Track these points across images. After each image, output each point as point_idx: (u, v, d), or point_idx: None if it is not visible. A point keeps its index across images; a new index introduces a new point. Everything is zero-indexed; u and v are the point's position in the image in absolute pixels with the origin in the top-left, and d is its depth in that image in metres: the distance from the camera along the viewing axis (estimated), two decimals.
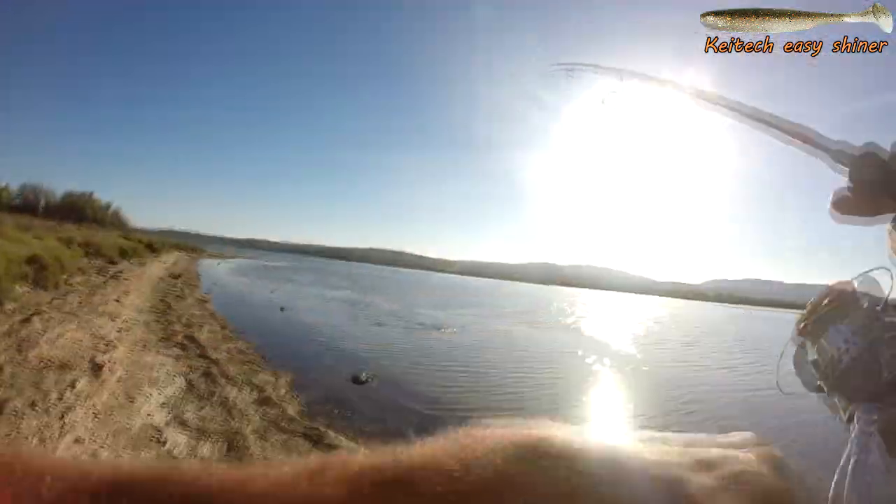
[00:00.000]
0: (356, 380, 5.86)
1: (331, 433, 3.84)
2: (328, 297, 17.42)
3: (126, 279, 12.11)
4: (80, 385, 3.82)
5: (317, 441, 3.64)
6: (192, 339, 6.65)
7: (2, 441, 2.91)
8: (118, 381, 4.15)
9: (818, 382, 0.25)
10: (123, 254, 17.49)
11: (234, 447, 3.40)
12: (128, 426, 3.41)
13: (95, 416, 3.45)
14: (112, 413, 3.59)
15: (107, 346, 5.23)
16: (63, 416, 3.34)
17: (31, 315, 5.88)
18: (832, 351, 0.24)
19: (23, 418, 3.26)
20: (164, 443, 3.29)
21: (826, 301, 0.26)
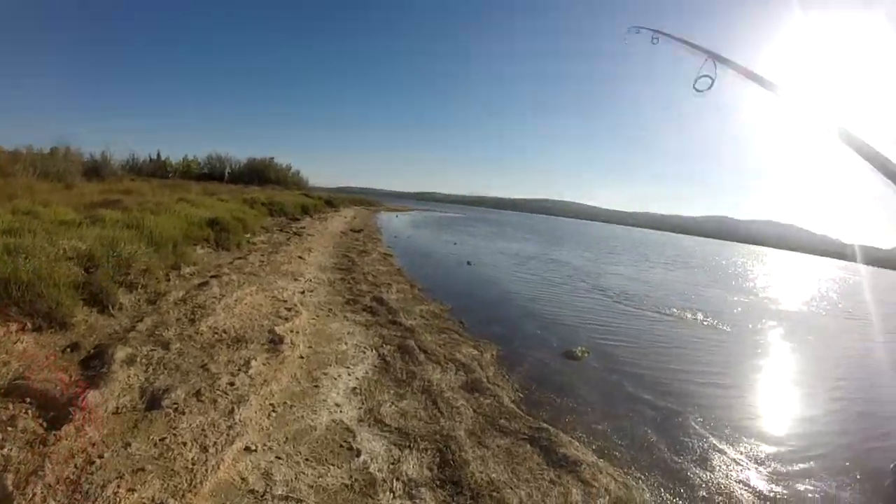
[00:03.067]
0: (570, 355, 7.95)
1: (562, 435, 5.15)
2: (511, 250, 26.04)
3: (309, 235, 18.28)
4: (255, 366, 5.35)
5: (547, 450, 4.79)
6: (380, 300, 9.31)
7: (151, 455, 3.51)
8: (300, 359, 6.02)
9: None
10: (305, 210, 28.44)
11: (447, 461, 4.24)
12: (311, 425, 4.49)
13: (272, 411, 4.60)
14: (293, 405, 4.80)
15: (289, 311, 7.73)
16: (233, 412, 4.32)
17: (210, 278, 8.91)
18: None
19: (183, 414, 4.18)
20: (358, 453, 4.13)
21: None
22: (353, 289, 10.36)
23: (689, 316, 13.61)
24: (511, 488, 4.00)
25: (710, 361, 9.31)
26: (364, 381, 5.71)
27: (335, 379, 5.64)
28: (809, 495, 5.09)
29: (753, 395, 7.92)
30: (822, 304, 22.84)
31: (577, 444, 5.08)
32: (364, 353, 6.67)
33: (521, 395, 6.18)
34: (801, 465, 5.66)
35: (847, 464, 5.90)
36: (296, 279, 10.32)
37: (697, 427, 6.17)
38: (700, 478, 5.01)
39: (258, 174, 66.31)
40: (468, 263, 18.20)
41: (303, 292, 9.33)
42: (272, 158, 71.50)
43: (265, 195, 28.43)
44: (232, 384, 4.88)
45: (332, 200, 44.22)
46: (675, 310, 14.16)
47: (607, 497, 4.19)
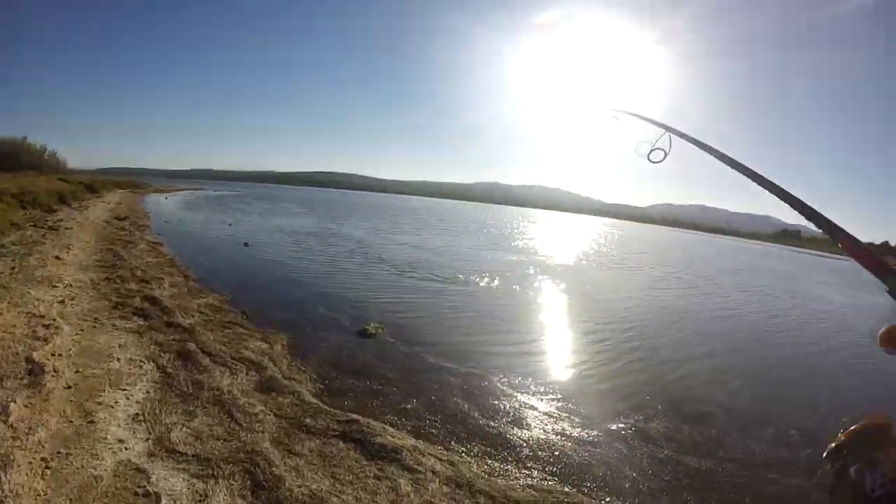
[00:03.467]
0: (364, 333, 8.15)
1: (373, 423, 5.12)
2: (290, 227, 26.42)
3: (67, 229, 16.50)
4: (15, 411, 4.52)
5: (363, 443, 4.76)
6: (152, 300, 8.71)
7: None
8: (68, 389, 5.30)
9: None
10: (62, 199, 25.87)
11: (260, 482, 3.98)
12: (96, 474, 3.90)
13: (46, 468, 3.89)
14: (69, 453, 4.12)
15: (47, 328, 6.90)
16: None
17: None
18: (869, 483, 0.75)
19: None
20: (157, 498, 3.68)
21: (862, 436, 0.80)
22: (121, 289, 9.58)
23: (475, 279, 14.67)
24: (337, 496, 3.94)
25: (504, 321, 10.14)
26: (146, 404, 5.27)
27: (112, 408, 5.12)
28: (623, 433, 5.73)
29: (550, 349, 8.73)
30: (594, 257, 27.75)
31: (391, 429, 5.16)
32: (141, 367, 6.18)
33: (321, 385, 6.20)
34: (610, 407, 6.37)
35: (649, 398, 6.79)
36: (53, 285, 9.26)
37: (504, 388, 6.59)
38: (520, 437, 5.38)
39: (9, 158, 56.85)
40: (246, 245, 18.13)
41: (62, 301, 8.40)
42: (24, 138, 62.69)
43: (14, 184, 25.30)
44: None
45: (94, 185, 41.36)
46: (461, 275, 15.20)
47: (437, 480, 4.29)
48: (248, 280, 12.05)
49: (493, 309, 11.38)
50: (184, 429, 4.84)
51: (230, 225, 25.51)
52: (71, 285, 9.48)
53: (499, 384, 6.84)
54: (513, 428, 5.65)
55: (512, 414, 6.01)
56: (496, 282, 14.83)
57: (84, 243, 14.41)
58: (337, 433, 5.02)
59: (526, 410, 6.15)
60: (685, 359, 9.16)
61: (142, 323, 7.80)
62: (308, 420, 5.26)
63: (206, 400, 5.51)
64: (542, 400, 6.51)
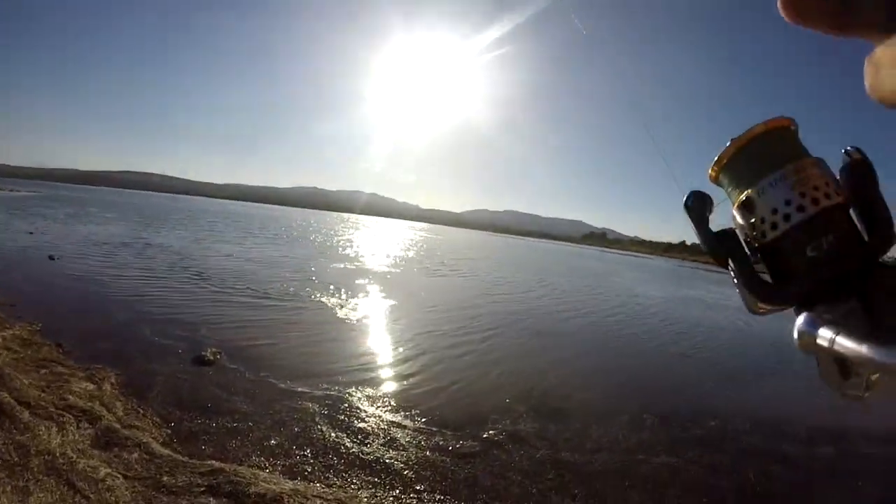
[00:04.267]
0: (202, 360, 7.59)
1: (241, 470, 4.73)
2: (100, 237, 24.01)
3: None
4: None
5: (235, 495, 4.38)
6: None
7: None
8: None
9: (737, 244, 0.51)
10: None
11: None
12: None
13: None
14: None
15: None
16: None
17: None
18: (764, 211, 0.47)
19: None
20: None
21: (760, 136, 0.50)
22: None
23: (310, 293, 14.23)
24: None
25: (348, 336, 9.97)
26: None
27: None
28: (497, 439, 5.93)
29: (400, 362, 8.72)
30: (424, 263, 28.96)
31: (262, 474, 4.83)
32: None
33: (168, 431, 5.64)
34: (477, 415, 6.52)
35: (509, 401, 7.07)
36: None
37: (366, 407, 6.49)
38: (399, 460, 5.33)
39: None
40: (51, 258, 15.92)
41: None
42: None
43: None
44: None
45: None
46: (293, 289, 14.72)
47: None
48: (59, 303, 10.62)
49: (333, 324, 11.15)
50: None
51: (31, 234, 22.32)
52: None
53: (359, 404, 6.71)
54: (389, 451, 5.58)
55: (383, 436, 5.91)
56: (331, 294, 14.47)
57: None
58: (203, 488, 4.57)
59: (396, 430, 6.08)
60: (537, 360, 9.68)
61: None
62: (166, 478, 4.73)
63: (38, 469, 4.75)
64: (407, 416, 6.47)
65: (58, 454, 5.01)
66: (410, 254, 37.18)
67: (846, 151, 0.48)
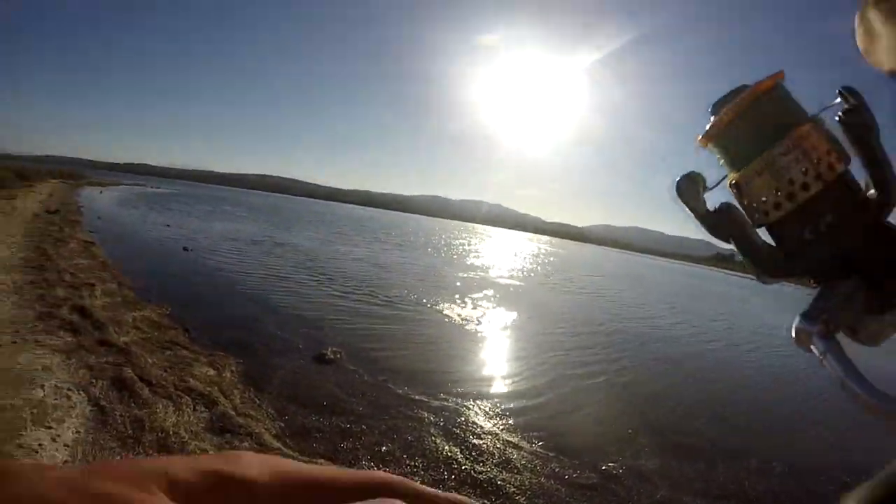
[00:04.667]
0: (322, 358, 7.39)
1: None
2: (233, 233, 24.86)
3: None
4: None
5: None
6: (83, 310, 7.82)
7: None
8: None
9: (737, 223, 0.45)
10: None
11: None
12: None
13: None
14: None
15: None
16: None
17: None
18: (763, 193, 0.43)
19: None
20: None
21: (749, 106, 0.43)
22: (48, 296, 8.48)
23: (434, 301, 13.77)
24: None
25: (471, 347, 9.54)
26: (77, 449, 4.37)
27: (36, 453, 4.22)
28: (616, 473, 5.43)
29: (522, 378, 8.18)
30: (545, 278, 27.96)
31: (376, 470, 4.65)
32: (69, 398, 5.24)
33: (281, 424, 5.42)
34: (597, 444, 6.00)
35: (631, 432, 6.41)
36: None
37: (482, 423, 6.06)
38: (512, 483, 4.91)
39: None
40: (185, 250, 16.70)
41: None
42: None
43: None
44: None
45: (25, 173, 39.13)
46: (417, 296, 14.26)
47: None
48: (189, 290, 10.90)
49: (455, 335, 10.66)
50: None
51: (168, 226, 23.62)
52: None
53: (476, 419, 6.25)
54: (502, 472, 5.11)
55: (497, 455, 5.44)
56: (455, 304, 13.94)
57: (10, 238, 13.07)
58: None
59: (511, 450, 5.59)
60: (665, 391, 8.89)
61: (70, 339, 6.83)
62: None
63: (149, 444, 4.69)
64: (525, 437, 5.96)
65: (171, 433, 4.88)
66: (535, 267, 36.13)
67: (840, 93, 0.41)
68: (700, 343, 14.90)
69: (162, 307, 8.92)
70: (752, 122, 0.43)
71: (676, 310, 23.12)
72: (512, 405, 6.92)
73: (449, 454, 5.30)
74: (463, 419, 6.20)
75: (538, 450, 5.69)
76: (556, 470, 5.31)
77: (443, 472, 4.95)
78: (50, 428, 4.68)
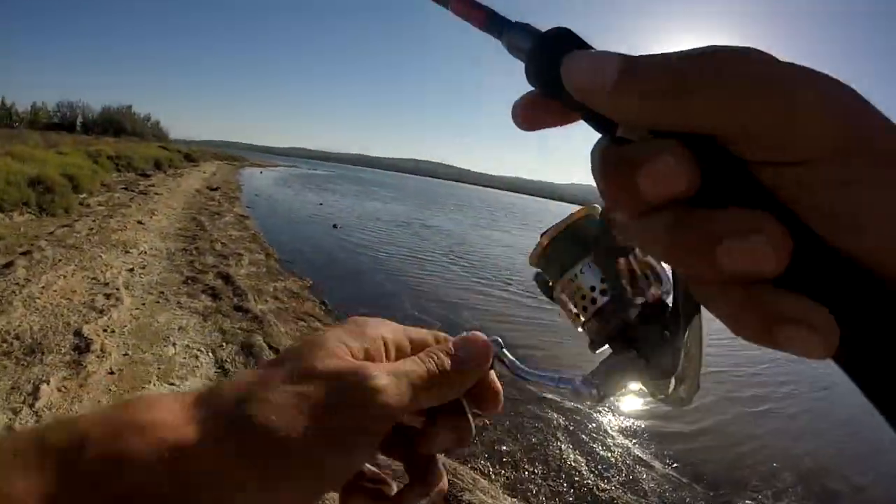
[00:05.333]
0: None
1: (461, 471, 4.13)
2: (381, 213, 25.11)
3: (157, 194, 16.36)
4: (45, 394, 4.03)
5: (447, 499, 3.73)
6: (227, 278, 7.93)
7: None
8: (110, 374, 4.60)
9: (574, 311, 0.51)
10: (158, 165, 26.80)
11: None
12: None
13: None
14: None
15: (107, 298, 6.32)
16: None
17: (19, 255, 7.35)
18: (585, 290, 0.48)
19: None
20: None
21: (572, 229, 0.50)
22: (196, 262, 8.81)
23: None
24: None
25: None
26: None
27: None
28: None
29: None
30: None
31: (482, 482, 4.06)
32: (197, 358, 5.28)
33: None
34: (734, 476, 5.24)
35: (777, 466, 5.63)
36: (127, 251, 8.73)
37: (614, 434, 5.47)
38: None
39: (114, 124, 65.03)
40: (335, 227, 16.93)
41: (132, 269, 7.78)
42: (129, 107, 71.20)
43: (113, 148, 26.10)
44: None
45: (192, 154, 42.52)
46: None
47: None
48: (332, 265, 10.92)
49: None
50: None
51: (321, 205, 24.25)
52: (146, 253, 8.93)
53: (608, 429, 5.62)
54: (627, 493, 4.49)
55: (625, 472, 4.83)
56: None
57: (170, 210, 13.93)
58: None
59: (641, 469, 4.94)
60: (821, 424, 7.45)
61: (209, 303, 6.92)
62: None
63: None
64: (658, 456, 5.24)
65: None
66: None
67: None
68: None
69: (304, 280, 8.92)
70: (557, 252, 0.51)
71: None
72: (649, 419, 6.10)
73: (572, 464, 4.79)
74: (594, 427, 5.62)
75: (671, 472, 5.01)
76: (687, 499, 4.66)
77: (562, 484, 4.45)
78: (172, 384, 4.75)
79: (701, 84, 0.25)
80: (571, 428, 5.39)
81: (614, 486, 4.54)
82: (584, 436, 5.30)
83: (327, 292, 8.34)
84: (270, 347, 5.72)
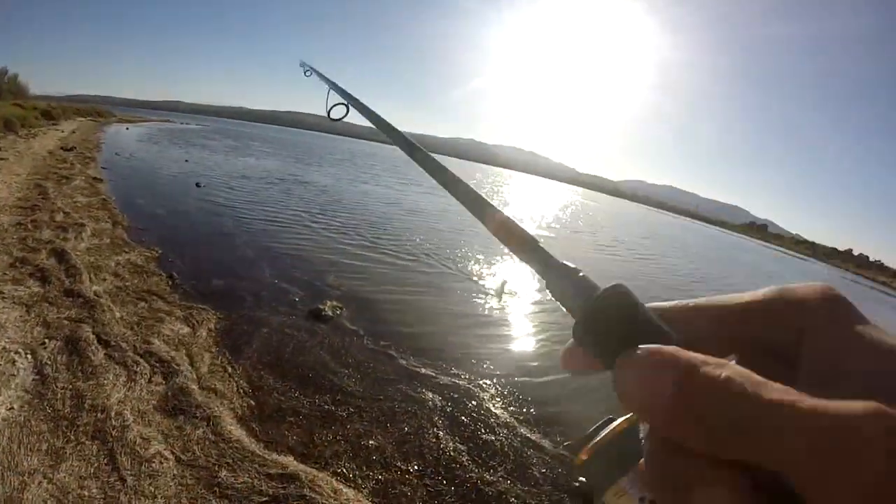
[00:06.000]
0: (317, 314, 6.47)
1: (319, 480, 3.65)
2: (254, 169, 24.21)
3: (2, 158, 14.45)
4: None
5: None
6: (61, 254, 7.07)
7: None
8: None
9: None
10: (9, 126, 24.04)
11: None
12: None
13: None
14: None
15: None
16: None
17: None
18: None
19: None
20: None
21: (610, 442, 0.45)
22: (30, 238, 7.72)
23: (462, 258, 12.16)
24: None
25: (496, 319, 8.26)
26: (4, 431, 3.54)
27: None
28: None
29: (554, 358, 6.77)
30: (592, 237, 26.03)
31: (345, 491, 3.57)
32: (14, 363, 4.38)
33: (252, 402, 4.46)
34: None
35: None
36: None
37: (499, 412, 5.11)
38: (529, 499, 4.00)
39: None
40: (198, 185, 15.84)
41: None
42: None
43: None
44: None
45: (52, 112, 38.92)
46: (444, 251, 12.68)
47: None
48: (188, 230, 10.01)
49: (485, 298, 9.29)
50: (45, 484, 3.22)
51: (187, 161, 22.85)
52: None
53: (492, 408, 5.20)
54: (516, 483, 4.11)
55: (514, 458, 4.44)
56: (486, 264, 12.17)
57: (13, 177, 12.31)
58: (265, 499, 3.39)
59: (531, 453, 4.58)
60: None
61: (37, 290, 6.01)
62: (224, 473, 3.57)
63: (84, 430, 3.77)
64: (548, 434, 4.93)
65: (112, 414, 4.01)
66: (578, 223, 33.69)
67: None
68: None
69: (151, 250, 8.11)
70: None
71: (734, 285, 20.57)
72: (538, 391, 5.80)
73: (453, 455, 4.33)
74: (475, 405, 5.20)
75: (563, 453, 4.70)
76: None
77: (441, 483, 3.98)
78: None
79: (770, 431, 0.23)
80: (450, 409, 4.97)
81: (501, 476, 4.18)
82: (464, 418, 4.90)
83: (177, 263, 7.58)
84: (100, 340, 4.98)
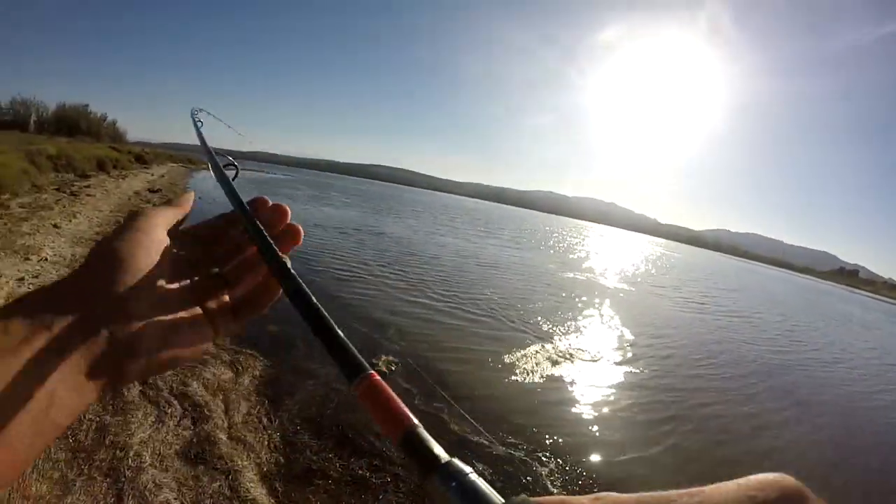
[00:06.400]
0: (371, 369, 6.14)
1: None
2: (332, 218, 24.56)
3: (89, 195, 15.34)
4: None
5: None
6: None
7: None
8: None
9: None
10: (101, 166, 25.70)
11: None
12: None
13: None
14: None
15: None
16: None
17: None
18: None
19: None
20: None
21: None
22: None
23: (538, 319, 11.18)
24: None
25: (568, 385, 7.52)
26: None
27: None
28: None
29: (635, 439, 6.42)
30: (676, 291, 24.15)
31: None
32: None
33: (279, 458, 4.11)
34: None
35: None
36: (27, 258, 7.84)
37: (554, 489, 4.49)
38: None
39: (68, 123, 64.32)
40: None
41: (22, 279, 6.92)
42: (86, 106, 70.33)
43: (57, 147, 24.60)
44: None
45: (144, 156, 41.69)
46: (523, 306, 12.02)
47: None
48: None
49: (559, 363, 8.46)
50: None
51: None
52: (46, 259, 8.02)
53: (549, 483, 4.67)
54: None
55: None
56: (564, 328, 11.03)
57: (96, 213, 12.89)
58: None
59: None
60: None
61: None
62: None
63: (99, 465, 3.56)
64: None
65: (132, 453, 3.78)
66: (662, 278, 31.26)
67: None
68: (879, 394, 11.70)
69: None
70: None
71: (840, 346, 18.25)
72: (602, 471, 5.25)
73: None
74: (530, 479, 4.68)
75: None
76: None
77: None
78: None
79: None
80: (500, 484, 4.07)
81: None
82: (515, 496, 4.41)
83: None
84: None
